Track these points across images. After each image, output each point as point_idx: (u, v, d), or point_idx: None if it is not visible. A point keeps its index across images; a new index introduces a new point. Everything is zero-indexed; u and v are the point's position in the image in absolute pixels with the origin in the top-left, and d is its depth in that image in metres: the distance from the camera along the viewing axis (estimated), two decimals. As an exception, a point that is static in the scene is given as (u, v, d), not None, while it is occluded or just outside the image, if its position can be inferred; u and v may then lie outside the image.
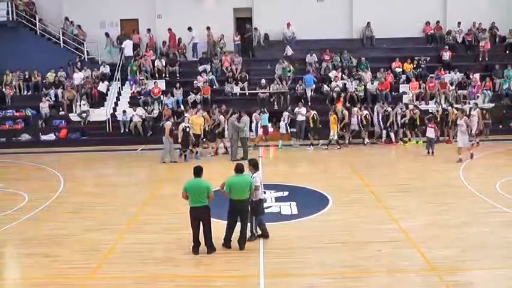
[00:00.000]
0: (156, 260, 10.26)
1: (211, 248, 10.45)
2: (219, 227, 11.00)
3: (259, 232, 11.14)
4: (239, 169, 10.59)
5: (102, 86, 26.27)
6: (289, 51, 27.29)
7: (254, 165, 11.03)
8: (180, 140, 19.36)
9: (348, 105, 23.48)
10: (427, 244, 10.64)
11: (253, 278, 9.43)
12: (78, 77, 26.09)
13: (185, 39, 28.09)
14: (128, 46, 27.03)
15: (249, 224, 10.88)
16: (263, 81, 25.59)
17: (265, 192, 11.24)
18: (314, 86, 25.51)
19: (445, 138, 22.19)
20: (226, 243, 10.62)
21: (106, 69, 26.85)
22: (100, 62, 27.37)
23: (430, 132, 19.78)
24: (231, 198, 10.49)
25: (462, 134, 18.13)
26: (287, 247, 10.73)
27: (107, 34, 28.06)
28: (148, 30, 28.21)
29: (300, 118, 21.95)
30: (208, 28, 27.77)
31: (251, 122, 21.54)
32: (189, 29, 27.75)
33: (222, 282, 9.46)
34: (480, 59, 27.46)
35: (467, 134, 18.24)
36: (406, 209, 13.20)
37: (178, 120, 19.65)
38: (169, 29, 28.01)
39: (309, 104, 23.93)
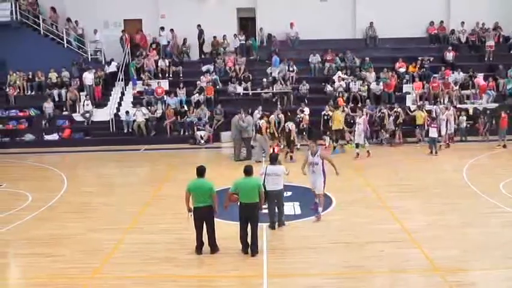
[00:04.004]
0: (158, 260, 10.26)
1: (214, 248, 10.43)
2: (222, 227, 11.00)
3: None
4: (247, 171, 10.39)
5: (112, 66, 26.57)
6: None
7: (270, 159, 11.15)
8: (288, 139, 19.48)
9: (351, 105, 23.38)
10: (430, 244, 10.61)
11: (256, 278, 9.42)
12: (90, 77, 25.75)
13: (189, 39, 28.10)
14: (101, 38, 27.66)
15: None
16: (264, 80, 25.60)
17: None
18: (280, 67, 25.92)
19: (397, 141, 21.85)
20: (244, 248, 10.33)
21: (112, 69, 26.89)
22: (104, 62, 27.39)
23: (433, 132, 19.74)
24: (239, 201, 10.33)
25: (316, 173, 12.27)
26: (290, 247, 10.73)
27: (72, 21, 28.17)
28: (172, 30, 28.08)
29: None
30: (171, 30, 27.69)
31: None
32: (162, 28, 27.81)
33: (224, 282, 9.46)
34: (486, 58, 27.37)
35: (323, 173, 12.34)
36: (408, 209, 13.18)
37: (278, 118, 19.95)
38: (141, 30, 28.27)
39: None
